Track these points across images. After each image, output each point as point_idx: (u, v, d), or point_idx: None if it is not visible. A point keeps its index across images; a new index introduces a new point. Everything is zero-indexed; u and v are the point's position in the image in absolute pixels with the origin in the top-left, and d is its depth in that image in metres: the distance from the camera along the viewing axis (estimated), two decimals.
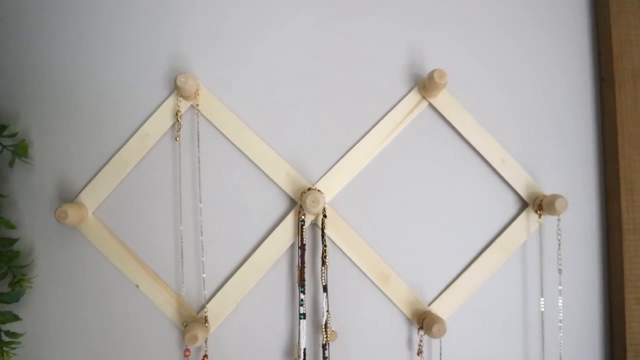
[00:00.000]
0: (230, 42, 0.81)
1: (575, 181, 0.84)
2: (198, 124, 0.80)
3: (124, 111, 0.80)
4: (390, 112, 0.81)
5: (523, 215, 0.82)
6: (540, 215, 0.81)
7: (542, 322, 0.82)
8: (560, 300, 0.81)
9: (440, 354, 0.80)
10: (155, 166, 0.80)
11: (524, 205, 0.83)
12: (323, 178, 0.80)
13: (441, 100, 0.82)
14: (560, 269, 0.81)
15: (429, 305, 0.81)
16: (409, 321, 0.81)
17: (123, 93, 0.80)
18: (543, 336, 0.82)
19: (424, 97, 0.82)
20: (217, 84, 0.80)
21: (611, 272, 0.84)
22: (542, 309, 0.82)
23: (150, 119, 0.79)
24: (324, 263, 0.77)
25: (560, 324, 0.81)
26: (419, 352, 0.79)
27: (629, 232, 0.82)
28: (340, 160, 0.80)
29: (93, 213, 0.79)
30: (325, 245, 0.77)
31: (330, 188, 0.80)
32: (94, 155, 0.79)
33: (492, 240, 0.82)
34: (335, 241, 0.79)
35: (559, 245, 0.81)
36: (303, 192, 0.77)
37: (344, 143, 0.81)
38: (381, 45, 0.82)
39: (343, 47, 0.82)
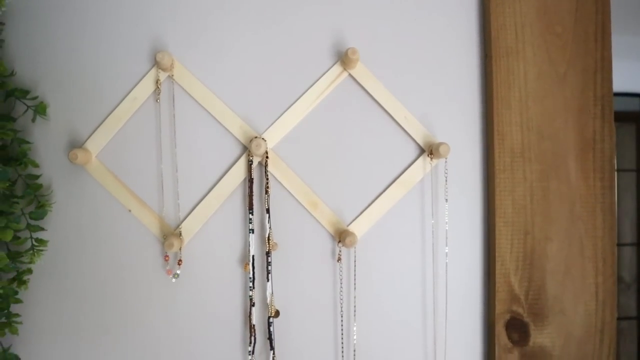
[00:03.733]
0: (197, 26, 1.06)
1: (463, 133, 1.10)
2: (173, 90, 1.06)
3: (118, 80, 1.06)
4: (319, 81, 1.07)
5: (420, 158, 1.08)
6: (431, 159, 1.07)
7: (434, 239, 1.09)
8: (447, 220, 1.08)
9: (355, 261, 1.07)
10: (142, 121, 1.06)
11: (421, 151, 1.09)
12: (267, 130, 1.06)
13: (359, 71, 1.07)
14: (446, 199, 1.08)
15: (348, 225, 1.08)
16: (332, 237, 1.08)
17: (117, 67, 1.06)
18: (434, 247, 1.09)
19: (344, 69, 1.08)
20: (188, 58, 1.06)
21: (488, 202, 1.11)
22: (433, 230, 1.09)
23: (137, 86, 1.05)
24: (266, 192, 1.04)
25: (446, 239, 1.08)
26: (339, 259, 1.06)
27: (500, 171, 1.08)
28: (281, 117, 1.06)
29: (96, 157, 1.06)
30: (267, 179, 1.04)
31: (273, 137, 1.06)
32: (96, 113, 1.06)
33: (397, 177, 1.09)
34: (276, 176, 1.06)
35: (446, 181, 1.08)
36: (251, 140, 1.03)
37: (284, 104, 1.07)
38: (312, 25, 1.08)
39: (284, 30, 1.08)
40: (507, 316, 1.07)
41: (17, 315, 0.94)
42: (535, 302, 1.09)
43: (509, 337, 1.07)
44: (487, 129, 1.11)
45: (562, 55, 1.10)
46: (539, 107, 1.09)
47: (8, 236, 0.88)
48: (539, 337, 1.08)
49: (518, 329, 1.08)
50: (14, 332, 0.92)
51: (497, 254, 1.08)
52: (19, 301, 0.95)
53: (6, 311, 0.92)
